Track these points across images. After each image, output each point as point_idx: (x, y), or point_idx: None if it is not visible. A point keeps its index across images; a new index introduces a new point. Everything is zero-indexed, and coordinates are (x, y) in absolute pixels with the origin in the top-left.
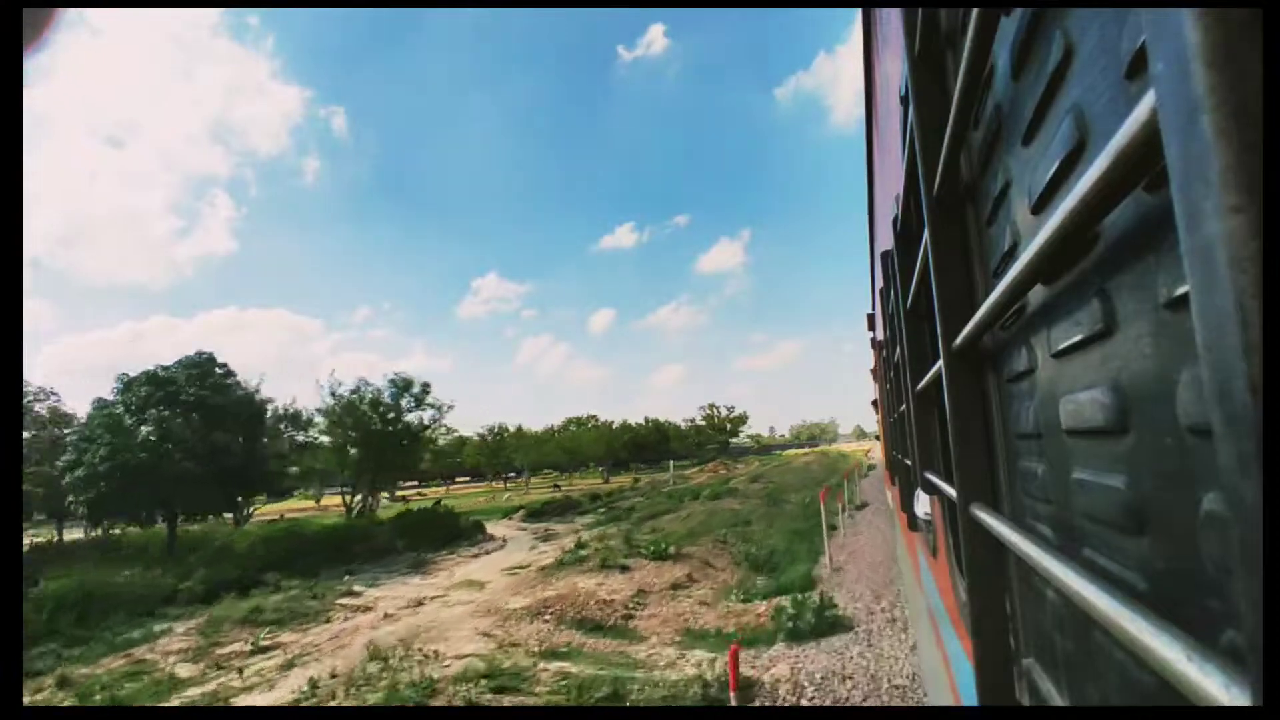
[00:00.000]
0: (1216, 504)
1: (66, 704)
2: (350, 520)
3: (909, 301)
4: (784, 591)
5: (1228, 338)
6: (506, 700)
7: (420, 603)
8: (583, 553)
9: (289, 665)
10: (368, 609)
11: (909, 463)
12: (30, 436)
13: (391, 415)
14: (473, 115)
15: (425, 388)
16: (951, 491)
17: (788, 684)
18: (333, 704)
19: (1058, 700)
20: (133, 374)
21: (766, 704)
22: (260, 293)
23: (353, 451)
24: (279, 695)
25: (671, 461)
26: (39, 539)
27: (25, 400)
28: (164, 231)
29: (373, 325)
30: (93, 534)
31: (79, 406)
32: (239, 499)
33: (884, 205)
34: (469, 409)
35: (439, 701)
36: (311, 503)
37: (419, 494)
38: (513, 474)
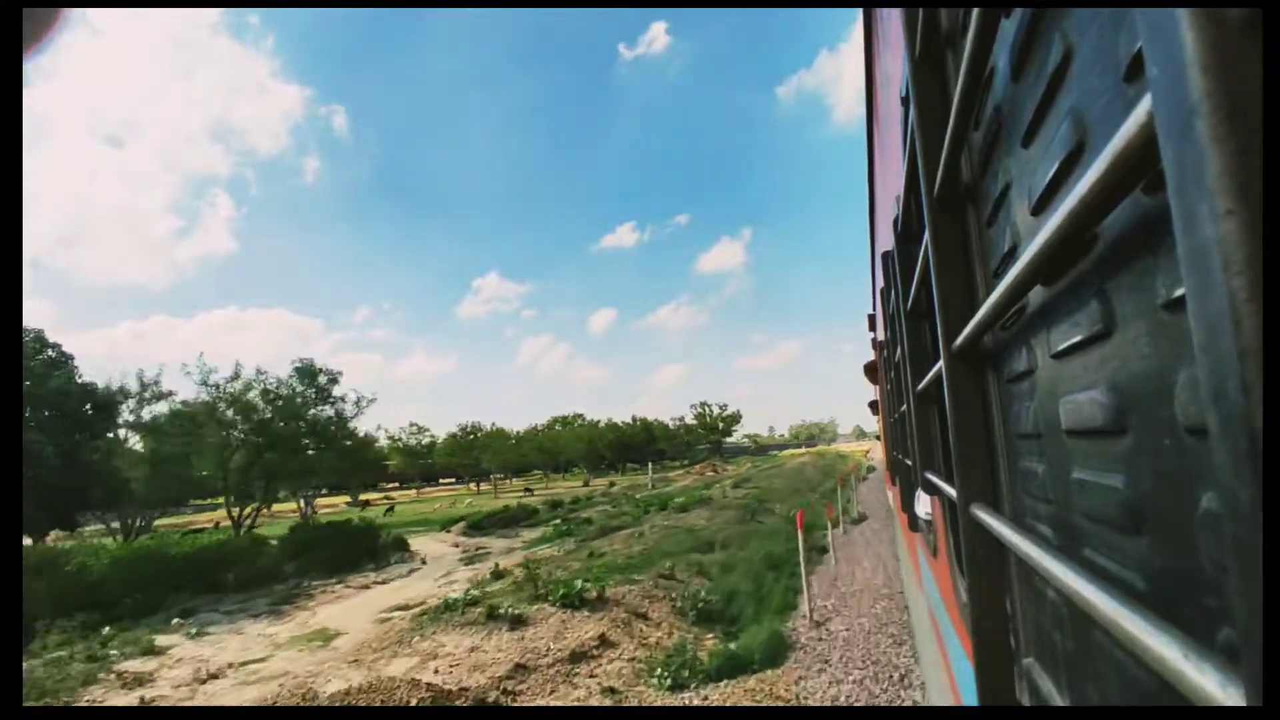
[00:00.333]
0: (1213, 504)
1: None
2: (235, 538)
3: (909, 302)
4: (738, 667)
5: (1223, 340)
6: None
7: (216, 675)
8: (491, 589)
9: None
10: (142, 681)
11: (909, 463)
12: None
13: (293, 408)
14: (473, 114)
15: (333, 377)
16: (952, 491)
17: None
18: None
19: (1058, 700)
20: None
21: None
22: (260, 293)
23: (237, 456)
24: None
25: (651, 464)
26: None
27: None
28: (164, 231)
29: (373, 325)
30: None
31: None
32: (83, 513)
33: (885, 205)
34: (470, 410)
35: None
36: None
37: (386, 498)
38: (500, 475)
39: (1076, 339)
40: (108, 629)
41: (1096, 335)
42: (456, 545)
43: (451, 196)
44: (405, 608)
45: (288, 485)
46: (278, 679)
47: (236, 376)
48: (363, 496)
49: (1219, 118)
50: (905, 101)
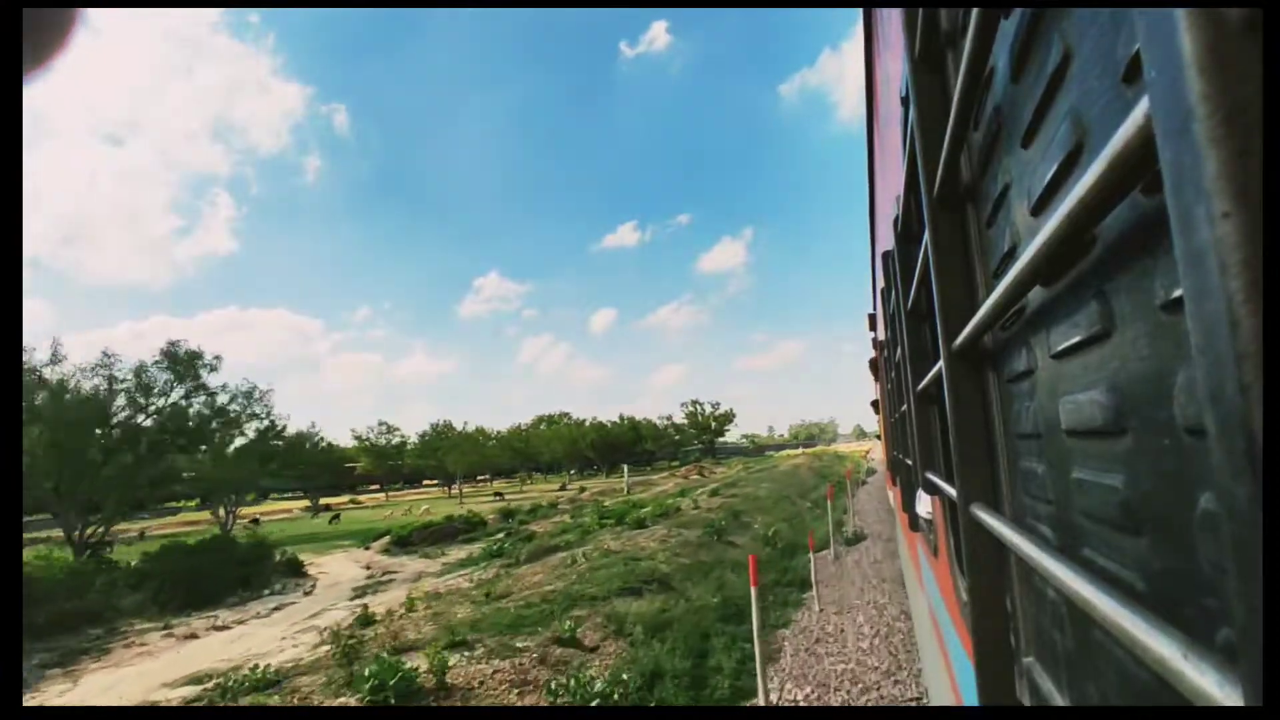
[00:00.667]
0: (1212, 504)
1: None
2: (76, 563)
3: (910, 302)
4: None
5: (1221, 341)
6: None
7: None
8: (340, 643)
9: None
10: None
11: (910, 463)
12: None
13: (96, 405)
14: (474, 112)
15: (213, 363)
16: (952, 491)
17: None
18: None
19: (1058, 699)
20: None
21: None
22: (261, 292)
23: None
24: None
25: (628, 467)
26: None
27: None
28: (164, 231)
29: (373, 325)
30: None
31: None
32: None
33: (885, 205)
34: (470, 410)
35: None
36: (208, 515)
37: (352, 501)
38: (485, 477)
39: (1076, 339)
40: None
41: (1096, 336)
42: (368, 568)
43: (452, 195)
44: (199, 680)
45: (123, 496)
46: None
47: (55, 360)
48: (324, 501)
49: (1216, 119)
50: (905, 101)
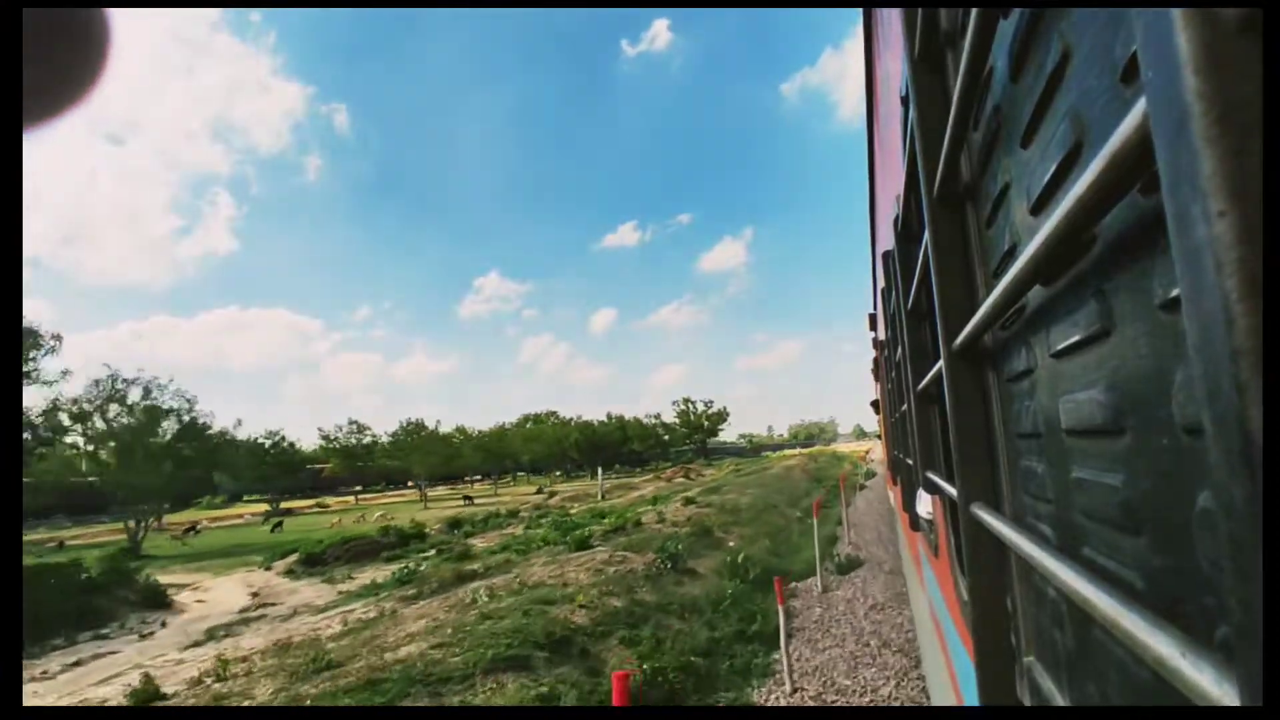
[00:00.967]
0: (1210, 503)
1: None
2: None
3: (910, 301)
4: None
5: (1217, 340)
6: None
7: None
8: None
9: None
10: None
11: (910, 462)
12: None
13: None
14: (475, 112)
15: (53, 345)
16: (952, 491)
17: None
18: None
19: (1059, 699)
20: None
21: None
22: (261, 292)
23: None
24: None
25: (601, 469)
26: None
27: None
28: (165, 230)
29: (373, 325)
30: None
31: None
32: None
33: (885, 205)
34: (470, 410)
35: None
36: (241, 508)
37: (318, 505)
38: (477, 478)
39: (1075, 339)
40: None
41: (1095, 335)
42: (256, 595)
43: (453, 194)
44: None
45: None
46: None
47: None
48: (285, 505)
49: (1213, 119)
50: (905, 101)
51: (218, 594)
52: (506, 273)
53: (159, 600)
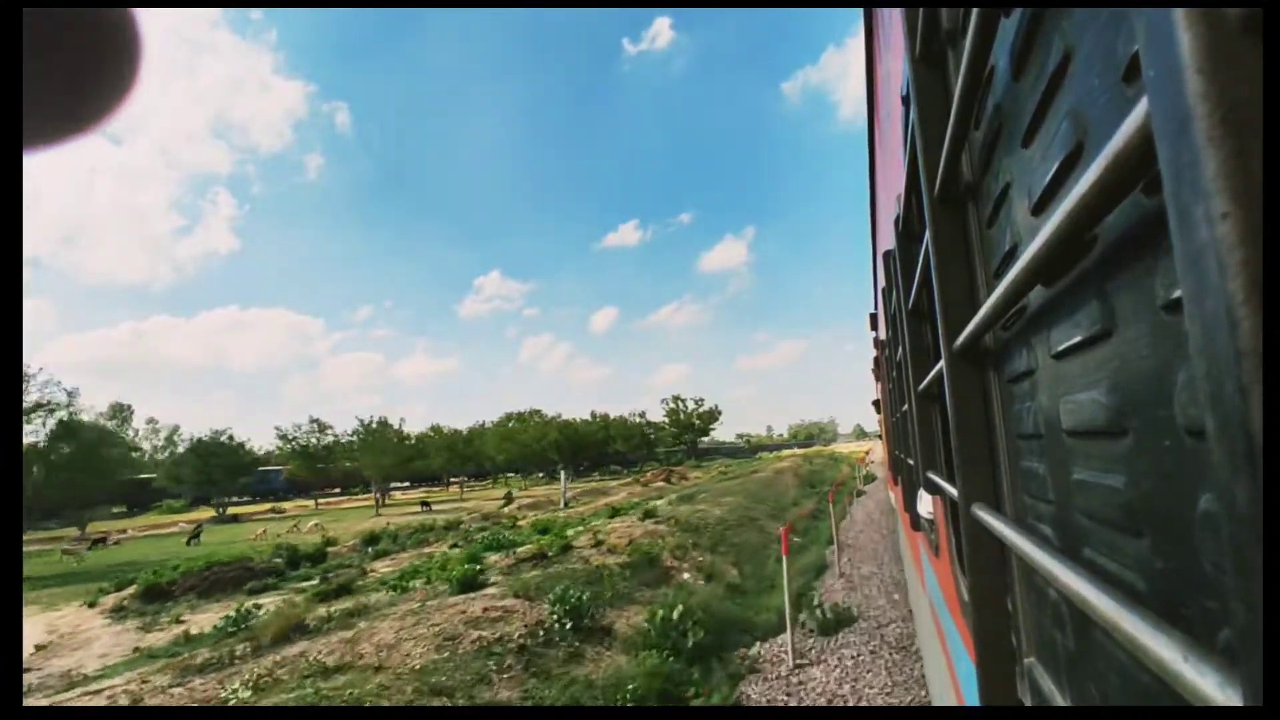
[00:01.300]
0: (1212, 505)
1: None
2: None
3: (911, 301)
4: None
5: (1220, 342)
6: None
7: None
8: None
9: None
10: None
11: (911, 462)
12: None
13: None
14: (476, 111)
15: None
16: (953, 491)
17: None
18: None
19: (1059, 700)
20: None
21: None
22: (262, 291)
23: None
24: None
25: (564, 474)
26: None
27: None
28: (165, 230)
29: (374, 324)
30: None
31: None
32: None
33: (886, 204)
34: (471, 409)
35: None
36: (173, 517)
37: (273, 510)
38: (463, 479)
39: (1077, 339)
40: None
41: (1096, 336)
42: (40, 649)
43: (454, 194)
44: None
45: None
46: None
47: None
48: (232, 510)
49: (1214, 119)
50: (906, 100)
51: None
52: (508, 272)
53: None
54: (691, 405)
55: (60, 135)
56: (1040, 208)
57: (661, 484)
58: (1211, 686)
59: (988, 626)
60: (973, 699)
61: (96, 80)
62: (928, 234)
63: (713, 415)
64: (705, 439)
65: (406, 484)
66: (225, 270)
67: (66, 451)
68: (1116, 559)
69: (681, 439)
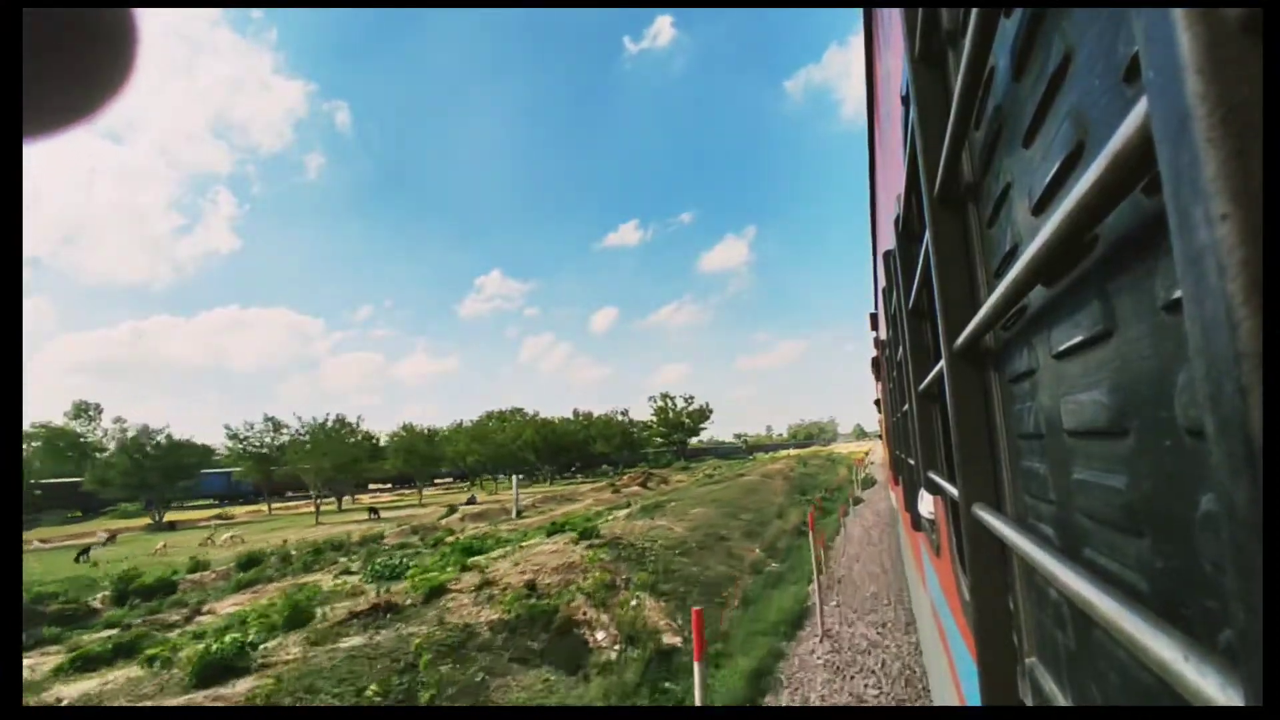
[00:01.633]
0: (1213, 506)
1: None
2: None
3: (911, 301)
4: None
5: (1220, 343)
6: None
7: None
8: None
9: None
10: None
11: (912, 462)
12: None
13: None
14: (477, 110)
15: None
16: (954, 491)
17: None
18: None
19: (1061, 700)
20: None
21: None
22: (262, 291)
23: None
24: None
25: (516, 477)
26: None
27: None
28: (165, 229)
29: (374, 324)
30: None
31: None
32: None
33: (886, 204)
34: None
35: None
36: (127, 521)
37: (219, 516)
38: (449, 479)
39: (1077, 339)
40: None
41: (1097, 336)
42: None
43: (454, 193)
44: None
45: None
46: None
47: None
48: (169, 517)
49: (1214, 120)
50: (906, 100)
51: None
52: (508, 271)
53: None
54: (681, 403)
55: (54, 127)
56: (1040, 208)
57: (637, 489)
58: (1212, 686)
59: (989, 626)
60: (974, 698)
61: (93, 73)
62: (928, 234)
63: (703, 414)
64: (697, 439)
65: (389, 486)
66: (225, 270)
67: None
68: (1117, 559)
69: (671, 439)
